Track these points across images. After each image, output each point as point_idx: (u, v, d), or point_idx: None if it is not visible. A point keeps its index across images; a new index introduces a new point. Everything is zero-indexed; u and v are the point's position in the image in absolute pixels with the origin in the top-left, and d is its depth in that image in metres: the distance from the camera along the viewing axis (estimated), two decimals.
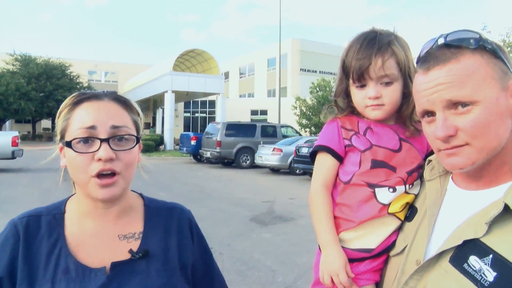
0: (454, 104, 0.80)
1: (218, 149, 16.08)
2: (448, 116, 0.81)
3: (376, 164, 1.06)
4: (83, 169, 0.84)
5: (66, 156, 0.88)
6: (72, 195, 0.96)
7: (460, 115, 0.79)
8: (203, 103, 38.49)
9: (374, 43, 1.04)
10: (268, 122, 20.67)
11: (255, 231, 6.03)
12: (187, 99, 34.01)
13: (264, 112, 34.99)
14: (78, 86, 37.15)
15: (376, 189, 1.04)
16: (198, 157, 18.80)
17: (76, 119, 0.87)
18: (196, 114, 39.81)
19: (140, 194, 1.03)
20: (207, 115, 38.32)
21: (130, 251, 0.90)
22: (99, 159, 0.84)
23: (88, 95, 0.90)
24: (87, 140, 0.85)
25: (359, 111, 1.12)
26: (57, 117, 0.91)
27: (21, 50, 39.02)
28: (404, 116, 1.09)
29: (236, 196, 9.12)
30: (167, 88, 25.70)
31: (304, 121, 25.15)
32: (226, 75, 43.27)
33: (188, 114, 39.61)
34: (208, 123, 22.26)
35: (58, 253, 0.87)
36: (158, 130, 34.18)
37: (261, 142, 16.06)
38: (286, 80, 37.27)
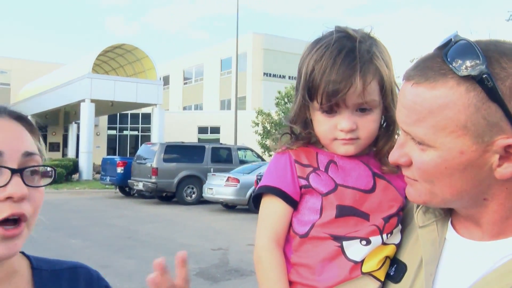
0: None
1: (153, 179, 16.07)
2: (408, 142, 0.84)
3: (344, 211, 1.03)
4: None
5: None
6: None
7: (420, 150, 0.82)
8: (135, 117, 38.30)
9: (354, 58, 1.00)
10: (221, 143, 20.86)
11: None
12: (112, 112, 33.66)
13: (215, 130, 35.36)
14: None
15: (344, 243, 1.02)
16: (126, 190, 18.74)
17: None
18: (125, 132, 39.55)
19: (22, 253, 0.97)
20: (140, 133, 38.17)
21: None
22: (8, 198, 0.78)
23: None
24: None
25: (323, 143, 1.10)
26: None
27: None
28: (382, 151, 1.09)
29: (177, 242, 9.15)
30: (85, 96, 25.55)
31: (268, 142, 25.50)
32: (166, 81, 43.52)
33: (113, 132, 39.21)
34: (141, 144, 21.95)
35: None
36: (71, 153, 33.57)
37: (212, 169, 16.14)
38: (245, 88, 38.03)
